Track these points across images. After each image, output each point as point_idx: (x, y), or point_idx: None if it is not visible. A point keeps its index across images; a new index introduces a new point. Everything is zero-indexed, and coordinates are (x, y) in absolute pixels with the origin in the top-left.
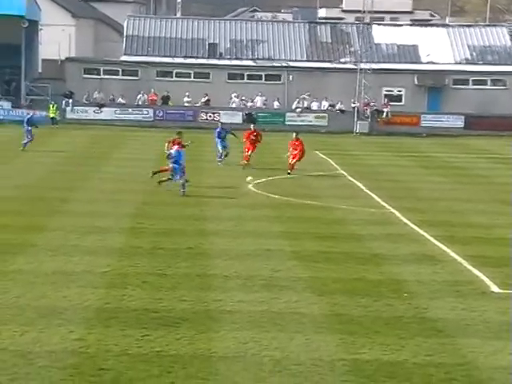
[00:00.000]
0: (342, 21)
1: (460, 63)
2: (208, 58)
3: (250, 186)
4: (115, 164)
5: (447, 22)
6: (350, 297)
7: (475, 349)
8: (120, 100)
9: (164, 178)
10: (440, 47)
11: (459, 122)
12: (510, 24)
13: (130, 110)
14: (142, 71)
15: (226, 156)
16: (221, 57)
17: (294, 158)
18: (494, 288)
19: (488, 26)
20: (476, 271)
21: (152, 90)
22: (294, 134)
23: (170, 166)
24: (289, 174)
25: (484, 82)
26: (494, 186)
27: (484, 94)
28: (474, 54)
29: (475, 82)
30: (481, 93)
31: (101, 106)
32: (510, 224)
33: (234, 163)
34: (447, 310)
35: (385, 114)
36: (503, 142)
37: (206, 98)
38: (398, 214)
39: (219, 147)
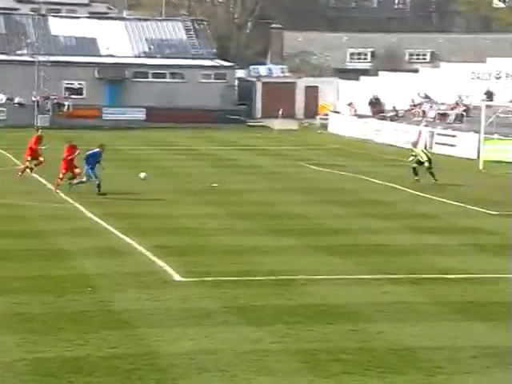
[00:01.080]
0: (17, 11)
1: (139, 56)
2: None
3: None
4: None
5: (124, 15)
6: (32, 295)
7: (158, 337)
8: None
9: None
10: (119, 40)
11: (140, 115)
12: (185, 19)
13: None
14: None
15: None
16: None
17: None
18: (177, 277)
19: (164, 20)
20: (159, 261)
21: None
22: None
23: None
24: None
25: (163, 75)
26: (177, 177)
27: (164, 87)
28: (152, 47)
29: (155, 75)
30: (160, 85)
31: None
32: (191, 214)
33: None
34: (132, 302)
35: (66, 107)
36: (183, 134)
37: None
38: (81, 208)
39: None
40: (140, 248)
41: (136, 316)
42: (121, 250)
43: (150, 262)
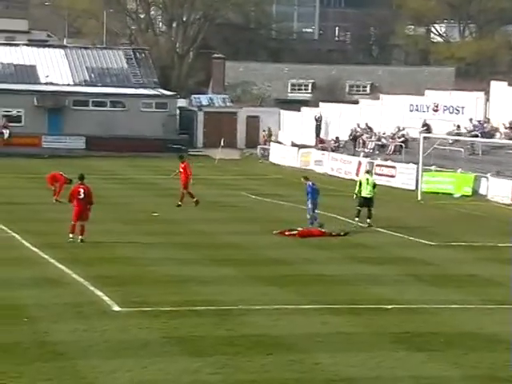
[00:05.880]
0: None
1: (79, 84)
2: None
3: None
4: None
5: (65, 43)
6: None
7: (95, 369)
8: None
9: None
10: (59, 68)
11: (81, 143)
12: (126, 47)
13: None
14: None
15: None
16: None
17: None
18: (115, 307)
19: (105, 48)
20: (98, 291)
21: None
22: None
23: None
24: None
25: (104, 104)
26: (117, 206)
27: (104, 115)
28: (93, 75)
29: (95, 104)
30: (101, 114)
31: None
32: (130, 244)
33: None
34: (68, 333)
35: (6, 135)
36: (124, 163)
37: None
38: (18, 237)
39: None
40: (78, 278)
41: (72, 347)
42: (58, 280)
43: (89, 292)
